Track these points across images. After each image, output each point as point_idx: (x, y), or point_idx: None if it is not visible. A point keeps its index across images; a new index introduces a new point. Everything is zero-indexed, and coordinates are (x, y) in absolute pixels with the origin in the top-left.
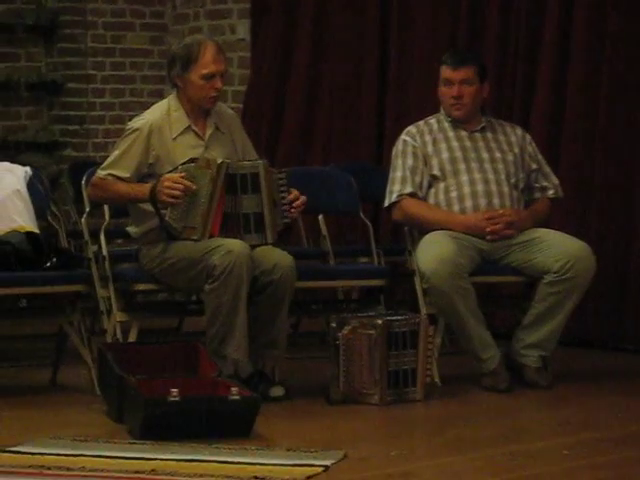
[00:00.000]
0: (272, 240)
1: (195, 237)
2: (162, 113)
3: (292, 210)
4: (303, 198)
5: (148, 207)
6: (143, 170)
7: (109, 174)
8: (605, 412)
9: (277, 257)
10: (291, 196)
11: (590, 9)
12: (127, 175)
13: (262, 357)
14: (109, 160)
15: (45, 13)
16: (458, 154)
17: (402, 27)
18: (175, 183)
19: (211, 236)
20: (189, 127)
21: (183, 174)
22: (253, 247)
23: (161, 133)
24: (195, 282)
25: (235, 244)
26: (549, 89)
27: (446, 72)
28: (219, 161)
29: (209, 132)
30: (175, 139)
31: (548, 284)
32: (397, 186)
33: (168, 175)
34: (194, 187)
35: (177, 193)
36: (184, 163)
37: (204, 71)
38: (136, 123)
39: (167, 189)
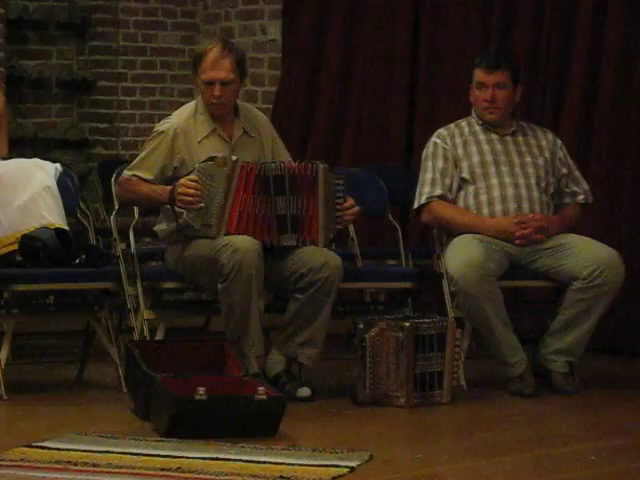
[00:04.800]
0: (323, 244)
1: (211, 234)
2: (189, 115)
3: (346, 217)
4: (357, 208)
5: None
6: (168, 173)
7: (134, 175)
8: (632, 418)
9: (326, 257)
10: (347, 204)
11: (623, 11)
12: (151, 177)
13: (296, 355)
14: (135, 161)
15: (77, 11)
16: (489, 157)
17: (433, 28)
18: (188, 188)
19: (227, 233)
20: (214, 130)
21: (196, 175)
22: (291, 248)
23: (186, 136)
24: (211, 281)
25: (243, 241)
26: (580, 93)
27: (480, 75)
28: (233, 158)
29: (236, 135)
30: (200, 142)
31: (576, 290)
32: (427, 188)
33: (182, 180)
34: (205, 187)
35: (189, 199)
36: (203, 162)
37: (202, 77)
38: (162, 126)
39: (181, 195)
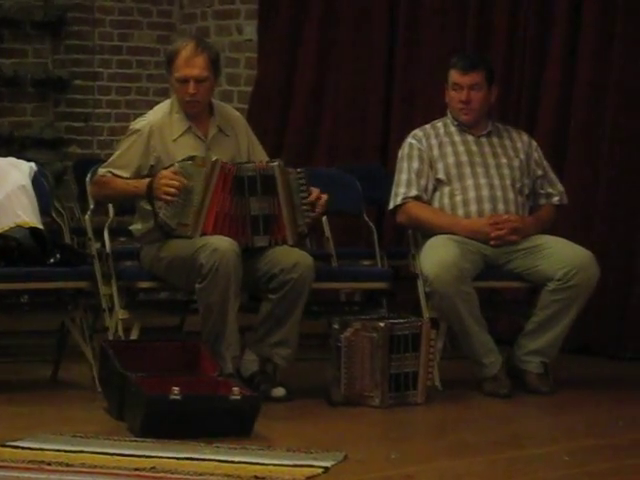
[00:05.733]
0: (292, 242)
1: (187, 234)
2: (164, 114)
3: (315, 210)
4: (324, 197)
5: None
6: (144, 171)
7: (109, 172)
8: (606, 419)
9: (297, 256)
10: (312, 196)
11: (598, 14)
12: (126, 175)
13: (270, 356)
14: (110, 159)
15: (53, 10)
16: (464, 158)
17: (410, 28)
18: (171, 180)
19: (204, 234)
20: (189, 128)
21: (178, 170)
22: (263, 249)
23: (162, 134)
24: (188, 281)
25: (222, 242)
26: (556, 94)
27: (455, 76)
28: (213, 159)
29: (211, 134)
30: (175, 140)
31: (551, 291)
32: (402, 189)
33: (164, 172)
34: (187, 183)
35: (173, 190)
36: (182, 160)
37: (176, 74)
38: (137, 124)
39: (163, 186)
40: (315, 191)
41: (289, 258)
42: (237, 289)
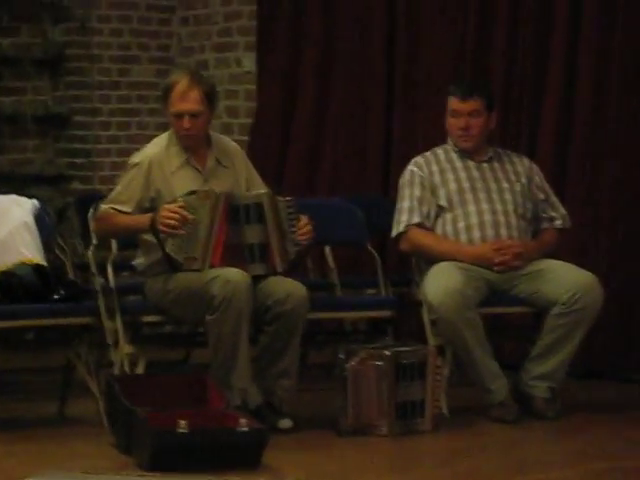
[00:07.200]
0: (282, 269)
1: (196, 267)
2: (161, 147)
3: (301, 237)
4: (309, 227)
5: (153, 239)
6: (145, 204)
7: (111, 208)
8: (614, 443)
9: (290, 287)
10: (301, 223)
11: (597, 31)
12: (129, 210)
13: (273, 388)
14: (111, 195)
15: (51, 47)
16: (465, 185)
17: (409, 58)
18: (172, 212)
19: (212, 266)
20: (187, 161)
21: (182, 204)
22: (260, 277)
23: (161, 167)
24: (198, 313)
25: (234, 273)
26: (556, 116)
27: (454, 103)
28: (218, 192)
29: (209, 166)
30: (174, 173)
31: (556, 316)
32: (405, 216)
33: (166, 205)
34: (190, 217)
35: (174, 223)
36: (185, 195)
37: (171, 109)
38: (136, 158)
39: (164, 218)
40: (303, 219)
41: (282, 289)
42: (248, 321)
